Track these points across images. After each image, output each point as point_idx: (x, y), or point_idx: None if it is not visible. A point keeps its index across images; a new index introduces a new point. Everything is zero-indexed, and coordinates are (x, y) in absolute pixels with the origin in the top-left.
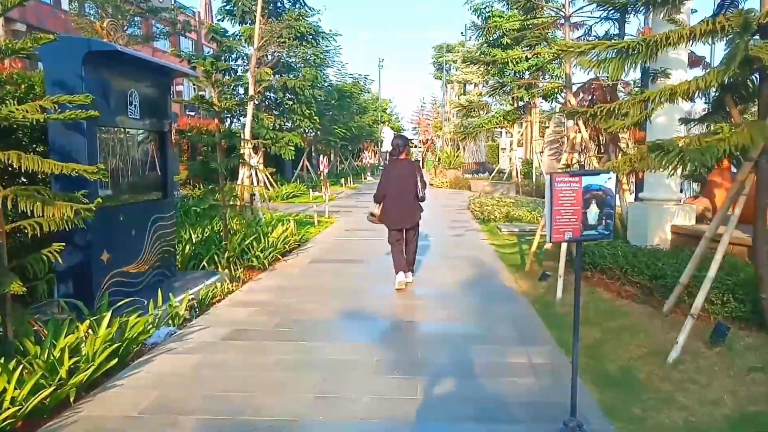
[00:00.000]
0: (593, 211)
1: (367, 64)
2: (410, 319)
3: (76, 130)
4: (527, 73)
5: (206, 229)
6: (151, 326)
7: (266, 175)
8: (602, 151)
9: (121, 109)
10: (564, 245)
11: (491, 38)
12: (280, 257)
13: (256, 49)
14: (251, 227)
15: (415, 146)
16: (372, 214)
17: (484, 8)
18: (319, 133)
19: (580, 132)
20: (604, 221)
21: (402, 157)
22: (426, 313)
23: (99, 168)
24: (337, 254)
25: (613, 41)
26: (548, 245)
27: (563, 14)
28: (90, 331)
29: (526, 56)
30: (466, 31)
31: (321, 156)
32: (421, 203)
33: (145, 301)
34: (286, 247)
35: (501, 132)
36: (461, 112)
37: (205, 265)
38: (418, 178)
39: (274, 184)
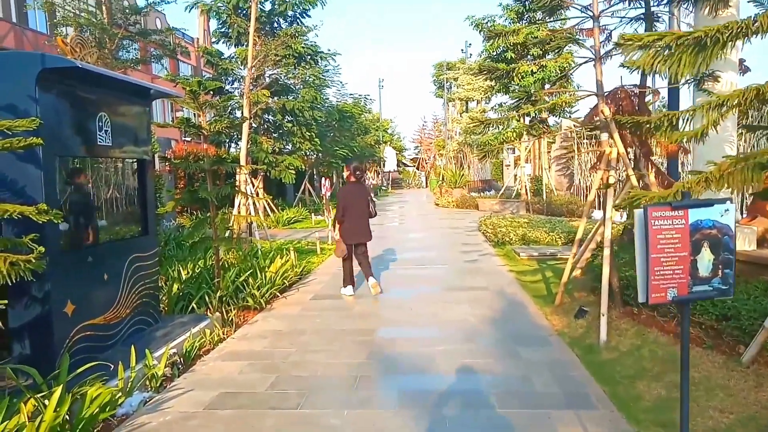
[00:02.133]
0: (706, 258)
1: (368, 85)
2: (433, 371)
3: (29, 161)
4: (533, 87)
5: (198, 265)
6: (120, 395)
7: (266, 201)
8: (633, 167)
9: (89, 135)
10: (605, 273)
11: (495, 52)
12: (278, 294)
13: (250, 69)
14: (247, 261)
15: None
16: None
17: (486, 23)
18: (320, 154)
19: (615, 146)
20: (720, 271)
21: (353, 180)
22: (450, 361)
23: (47, 209)
24: (341, 287)
25: (684, 30)
26: (577, 272)
27: (591, 14)
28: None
29: (532, 70)
30: (466, 48)
31: (323, 179)
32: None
33: (119, 361)
34: (286, 282)
35: (505, 148)
36: (477, 127)
37: (195, 307)
38: (370, 199)
39: (275, 210)
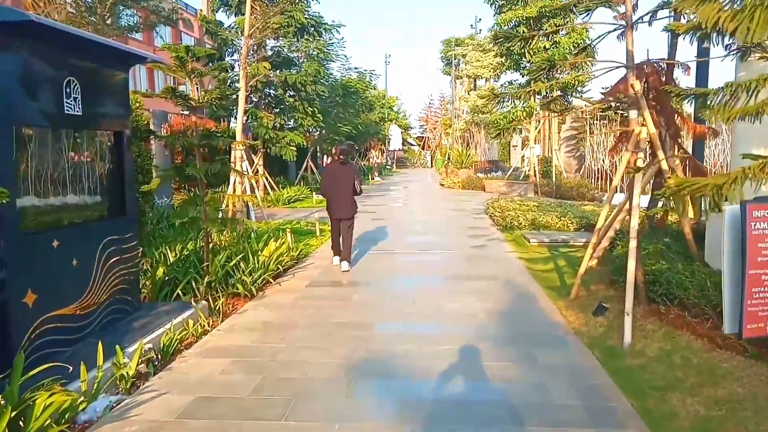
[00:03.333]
0: None
1: (373, 61)
2: (437, 376)
3: None
4: (555, 57)
5: (187, 247)
6: (82, 399)
7: (266, 179)
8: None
9: (54, 102)
10: (630, 267)
11: (507, 27)
12: (271, 281)
13: (247, 37)
14: (239, 244)
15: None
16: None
17: None
18: (323, 131)
19: (645, 125)
20: None
21: (338, 160)
22: (456, 365)
23: None
24: (340, 273)
25: None
26: (592, 262)
27: None
28: None
29: (545, 46)
30: (476, 24)
31: (325, 156)
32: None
33: (88, 356)
34: (280, 267)
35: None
36: (490, 102)
37: (180, 293)
38: (355, 177)
39: (275, 188)
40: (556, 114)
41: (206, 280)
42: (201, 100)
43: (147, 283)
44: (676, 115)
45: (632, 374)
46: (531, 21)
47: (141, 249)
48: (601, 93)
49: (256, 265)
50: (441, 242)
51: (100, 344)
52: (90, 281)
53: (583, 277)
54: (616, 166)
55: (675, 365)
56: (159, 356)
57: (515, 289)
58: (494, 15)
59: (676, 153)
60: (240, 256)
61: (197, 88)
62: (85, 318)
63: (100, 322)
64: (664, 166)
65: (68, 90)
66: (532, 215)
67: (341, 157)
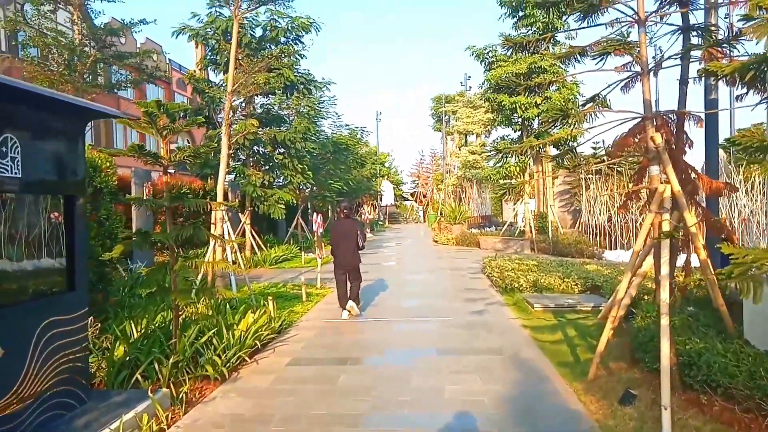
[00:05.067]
0: None
1: (365, 119)
2: None
3: None
4: (536, 120)
5: (154, 321)
6: None
7: (253, 238)
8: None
9: None
10: (664, 350)
11: (496, 83)
12: (247, 359)
13: (230, 94)
14: (212, 317)
15: (407, 200)
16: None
17: (487, 53)
18: (314, 188)
19: (669, 182)
20: None
21: (343, 216)
22: None
23: None
24: (326, 348)
25: None
26: (608, 334)
27: (635, 17)
28: None
29: (536, 102)
30: (465, 81)
31: (315, 214)
32: (361, 251)
33: None
34: (257, 343)
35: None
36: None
37: (139, 378)
38: (359, 233)
39: (263, 247)
40: (569, 169)
41: (172, 360)
42: (173, 159)
43: (104, 365)
44: (690, 171)
45: None
46: (521, 77)
47: (99, 325)
48: (593, 147)
49: (231, 341)
50: (438, 307)
51: None
52: (22, 373)
53: (602, 354)
54: (613, 221)
55: None
56: None
57: (523, 366)
58: (484, 72)
59: (691, 211)
60: (213, 330)
61: (188, 144)
62: (13, 418)
63: (35, 422)
64: (693, 230)
65: (4, 149)
66: (533, 276)
67: (346, 212)
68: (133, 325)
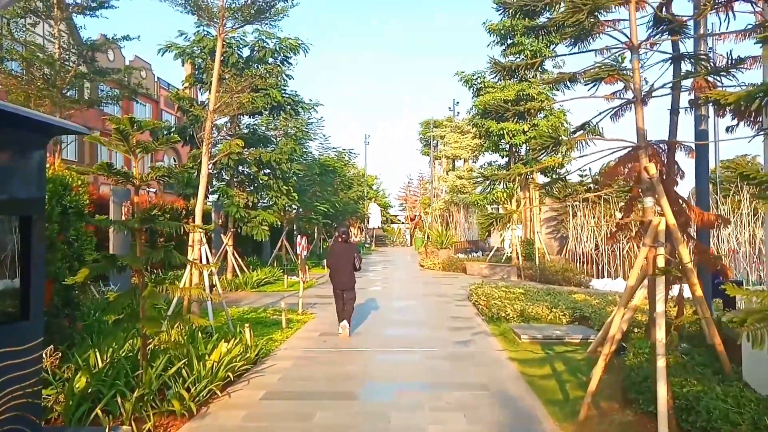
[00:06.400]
0: None
1: (353, 141)
2: None
3: None
4: (523, 146)
5: (124, 348)
6: None
7: (234, 260)
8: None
9: None
10: (661, 394)
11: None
12: (218, 392)
13: (212, 112)
14: (183, 346)
15: (402, 222)
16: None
17: (476, 79)
18: (299, 210)
19: (663, 215)
20: None
21: (340, 240)
22: None
23: None
24: (304, 381)
25: None
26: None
27: (628, 43)
28: None
29: (524, 129)
30: (453, 106)
31: (299, 237)
32: (357, 272)
33: None
34: (230, 375)
35: (488, 208)
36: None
37: (99, 413)
38: (355, 255)
39: (245, 270)
40: (559, 199)
41: (136, 393)
42: (145, 178)
43: (61, 398)
44: (682, 202)
45: None
46: (509, 103)
47: (60, 354)
48: (579, 175)
49: (202, 373)
50: (422, 336)
51: None
52: None
53: (594, 393)
54: (599, 249)
55: None
56: None
57: (510, 403)
58: (472, 98)
59: (684, 243)
60: (183, 361)
61: (174, 162)
62: None
63: None
64: (690, 266)
65: None
66: (520, 305)
67: (344, 236)
68: (98, 353)
